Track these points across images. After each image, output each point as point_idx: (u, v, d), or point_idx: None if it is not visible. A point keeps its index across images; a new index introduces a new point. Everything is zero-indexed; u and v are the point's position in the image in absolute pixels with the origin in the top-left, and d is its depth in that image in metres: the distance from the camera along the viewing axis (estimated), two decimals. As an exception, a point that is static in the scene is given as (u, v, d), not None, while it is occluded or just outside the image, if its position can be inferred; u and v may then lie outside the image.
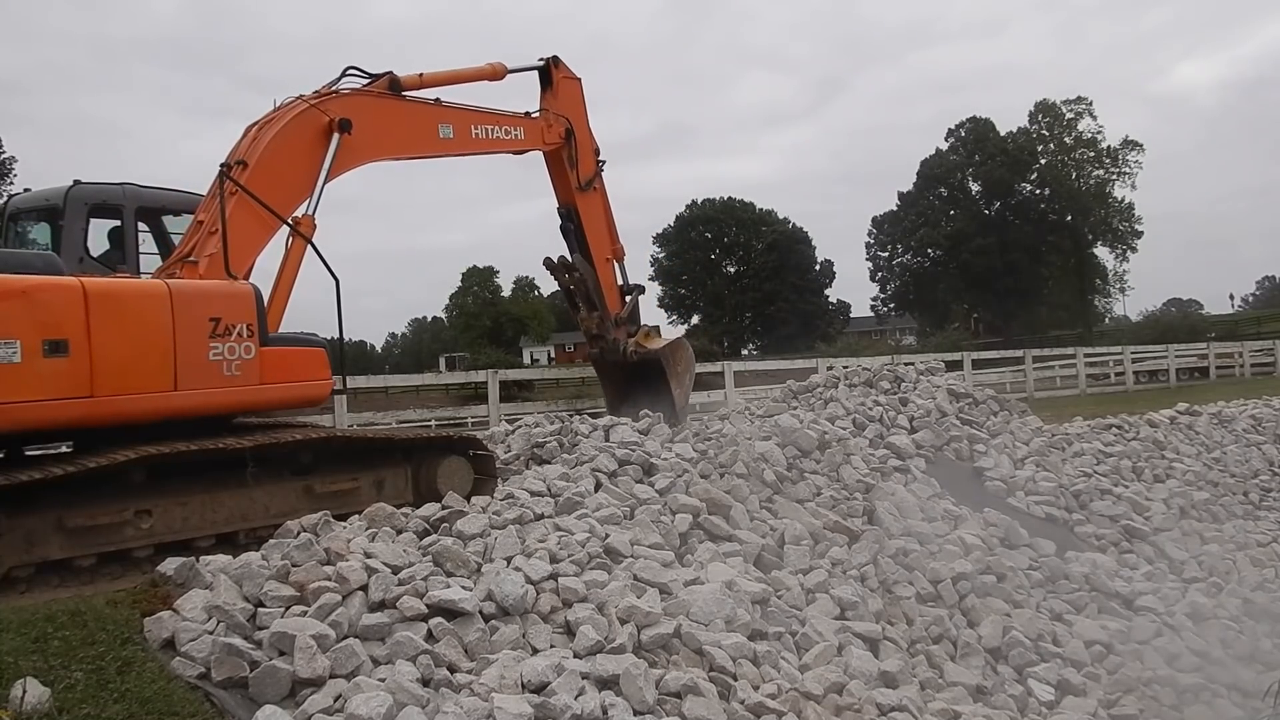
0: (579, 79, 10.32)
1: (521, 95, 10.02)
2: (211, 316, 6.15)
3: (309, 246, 7.27)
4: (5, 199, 9.66)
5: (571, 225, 10.38)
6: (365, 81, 8.24)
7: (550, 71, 10.03)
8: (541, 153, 10.03)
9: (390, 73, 8.34)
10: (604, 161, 10.60)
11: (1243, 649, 7.84)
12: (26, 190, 8.99)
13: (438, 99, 8.73)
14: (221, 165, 7.13)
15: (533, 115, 9.78)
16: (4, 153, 45.32)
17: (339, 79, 8.12)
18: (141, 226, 8.91)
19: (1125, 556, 9.29)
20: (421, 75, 8.66)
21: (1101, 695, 6.74)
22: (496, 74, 9.55)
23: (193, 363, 6.03)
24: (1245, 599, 8.71)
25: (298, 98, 7.66)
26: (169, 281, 6.24)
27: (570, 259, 10.37)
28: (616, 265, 10.89)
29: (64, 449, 6.66)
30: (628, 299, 10.77)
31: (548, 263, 10.51)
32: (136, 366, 5.80)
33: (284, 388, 6.65)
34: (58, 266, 6.04)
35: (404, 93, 8.43)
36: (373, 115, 8.03)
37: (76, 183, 8.63)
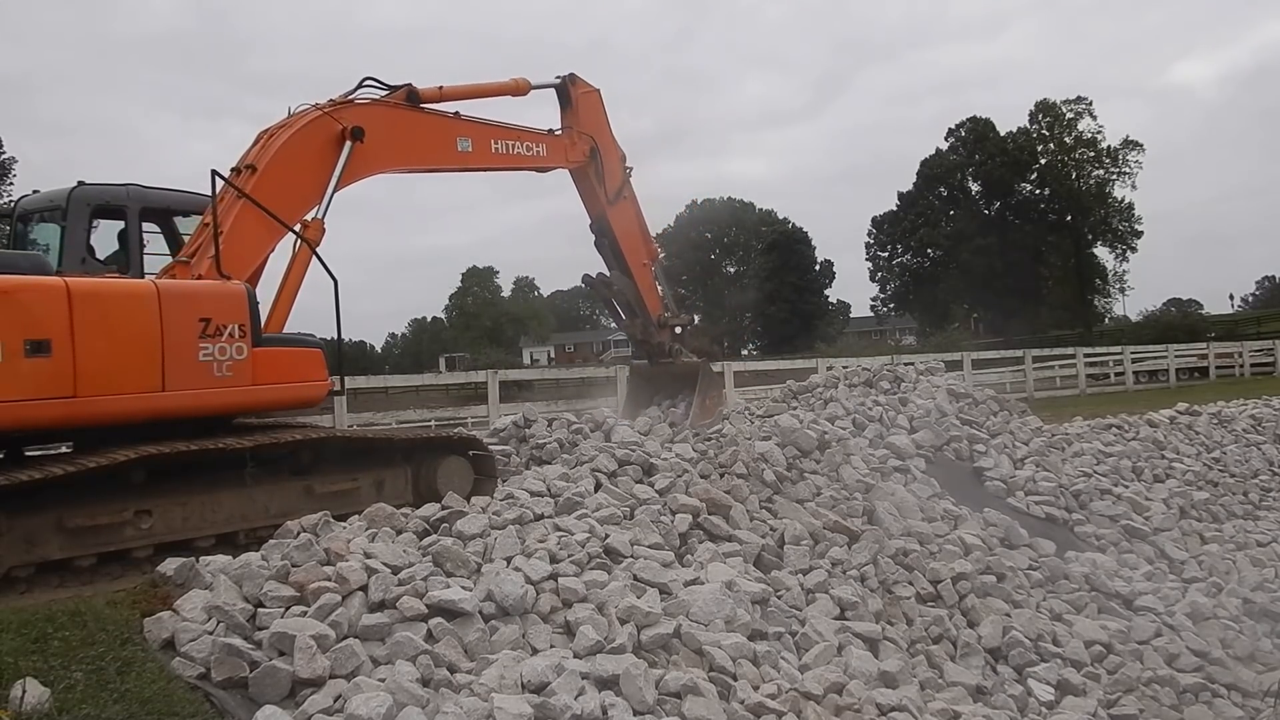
0: (597, 90, 10.27)
1: (549, 108, 10.10)
2: (202, 317, 6.14)
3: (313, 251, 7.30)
4: (12, 200, 9.71)
5: (605, 240, 10.48)
6: (383, 93, 8.27)
7: (569, 90, 9.98)
8: (568, 171, 10.04)
9: (409, 85, 8.39)
10: (631, 168, 10.59)
11: (1243, 649, 7.84)
12: (35, 192, 9.02)
13: (457, 112, 8.76)
14: (230, 170, 7.19)
15: (556, 133, 9.78)
16: (4, 153, 45.43)
17: (355, 89, 8.15)
18: (153, 227, 8.91)
19: (1125, 556, 9.29)
20: (441, 88, 8.70)
21: (1101, 695, 6.74)
22: (520, 89, 9.55)
23: (181, 363, 6.01)
24: (1245, 599, 8.72)
25: (313, 106, 7.73)
26: (157, 281, 6.24)
27: (608, 274, 10.59)
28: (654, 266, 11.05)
29: (64, 449, 6.66)
30: (667, 311, 11.04)
31: (586, 279, 10.87)
32: (122, 367, 5.78)
33: (279, 388, 6.65)
34: (44, 267, 6.04)
35: (422, 105, 8.45)
36: (387, 125, 8.07)
37: (80, 184, 8.65)
